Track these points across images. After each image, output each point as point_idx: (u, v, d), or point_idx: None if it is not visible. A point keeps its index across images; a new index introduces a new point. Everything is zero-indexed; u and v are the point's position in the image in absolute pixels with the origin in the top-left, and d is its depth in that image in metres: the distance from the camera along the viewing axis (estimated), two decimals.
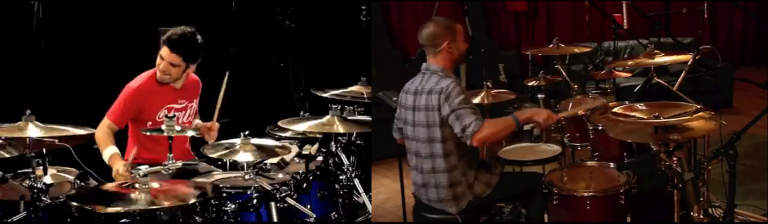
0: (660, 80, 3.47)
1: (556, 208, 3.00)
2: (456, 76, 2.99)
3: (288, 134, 3.73)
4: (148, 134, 3.12)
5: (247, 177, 2.99)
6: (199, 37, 3.34)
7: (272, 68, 4.56)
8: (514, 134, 2.95)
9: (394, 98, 3.44)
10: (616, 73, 4.50)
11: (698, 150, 3.51)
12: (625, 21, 5.23)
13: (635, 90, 3.67)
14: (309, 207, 3.12)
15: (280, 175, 3.19)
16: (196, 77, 3.61)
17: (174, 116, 3.04)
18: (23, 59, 4.06)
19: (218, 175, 3.29)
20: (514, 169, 3.53)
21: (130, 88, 3.36)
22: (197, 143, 3.60)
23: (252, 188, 2.97)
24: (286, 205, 3.02)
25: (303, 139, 3.63)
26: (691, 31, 6.79)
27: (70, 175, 3.04)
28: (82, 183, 2.97)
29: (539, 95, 4.32)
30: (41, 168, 2.90)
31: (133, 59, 4.03)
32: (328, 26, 4.82)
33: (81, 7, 4.28)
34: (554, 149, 3.58)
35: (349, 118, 3.36)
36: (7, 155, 2.97)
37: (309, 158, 3.23)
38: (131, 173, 2.85)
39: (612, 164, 3.22)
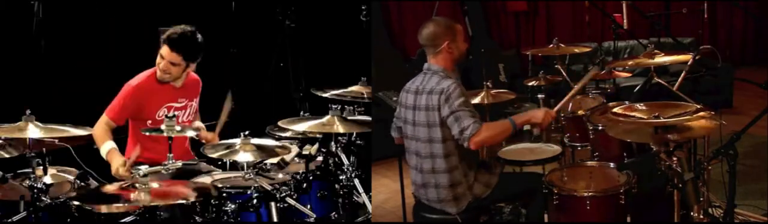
0: (660, 80, 3.47)
1: (556, 208, 3.00)
2: (456, 76, 2.99)
3: (288, 134, 3.73)
4: (148, 134, 3.12)
5: (247, 176, 2.99)
6: (199, 36, 3.34)
7: (272, 68, 4.55)
8: (514, 134, 2.95)
9: (394, 98, 3.44)
10: (616, 73, 4.50)
11: (698, 150, 3.51)
12: (625, 21, 5.23)
13: (635, 90, 3.67)
14: (309, 207, 3.12)
15: (280, 175, 3.19)
16: (196, 76, 3.61)
17: (174, 115, 3.03)
18: (23, 59, 4.06)
19: (218, 175, 3.29)
20: (514, 169, 3.53)
21: (129, 86, 3.37)
22: (197, 143, 3.60)
23: (252, 188, 2.97)
24: (286, 205, 3.02)
25: (303, 139, 3.63)
26: (691, 31, 6.78)
27: (70, 175, 3.05)
28: (82, 183, 2.98)
29: (539, 95, 4.30)
30: (41, 167, 2.91)
31: (133, 59, 4.02)
32: (328, 26, 4.82)
33: (81, 7, 4.28)
34: (554, 149, 3.58)
35: (349, 118, 3.36)
36: (7, 155, 2.98)
37: (309, 158, 3.23)
38: (131, 173, 2.85)
39: (612, 164, 3.22)
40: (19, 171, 3.05)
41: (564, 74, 4.21)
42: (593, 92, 4.28)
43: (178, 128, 3.02)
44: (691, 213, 3.03)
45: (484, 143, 2.83)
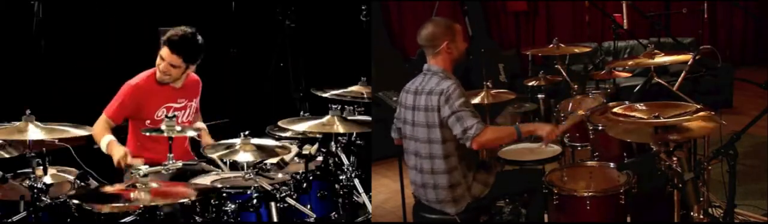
0: (660, 80, 3.47)
1: (556, 208, 3.00)
2: (456, 77, 2.99)
3: (288, 134, 3.73)
4: (148, 134, 3.12)
5: (247, 176, 2.99)
6: (199, 38, 3.34)
7: (272, 68, 4.55)
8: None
9: (394, 98, 3.44)
10: (616, 73, 4.50)
11: (698, 150, 3.51)
12: (625, 21, 5.23)
13: (635, 90, 3.66)
14: (309, 207, 3.12)
15: (280, 175, 3.19)
16: (196, 76, 3.61)
17: (174, 116, 3.04)
18: (23, 59, 4.06)
19: (218, 175, 3.29)
20: (513, 169, 3.53)
21: (129, 85, 3.37)
22: (197, 143, 3.60)
23: (252, 188, 2.97)
24: (286, 205, 3.02)
25: (303, 139, 3.63)
26: (691, 31, 6.78)
27: (70, 175, 3.04)
28: (82, 183, 2.97)
29: (539, 95, 4.31)
30: (41, 167, 2.90)
31: (133, 59, 4.03)
32: (328, 26, 4.82)
33: (81, 7, 4.29)
34: (554, 149, 3.57)
35: (349, 118, 3.36)
36: (7, 156, 2.97)
37: (309, 158, 3.23)
38: (132, 173, 2.85)
39: (612, 164, 3.22)
40: (19, 171, 3.04)
41: (564, 74, 4.21)
42: (593, 92, 4.28)
43: (178, 128, 3.02)
44: (691, 213, 3.03)
45: (486, 144, 2.84)
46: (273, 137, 3.71)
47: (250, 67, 4.72)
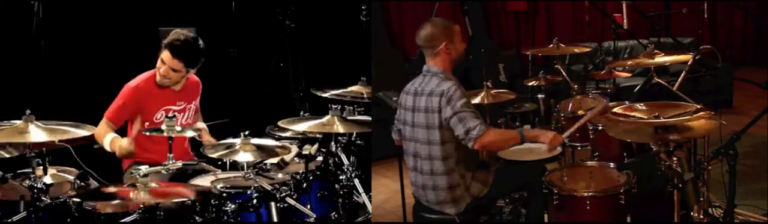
0: (660, 80, 3.47)
1: (556, 208, 3.00)
2: (456, 77, 2.99)
3: (288, 134, 3.73)
4: (148, 134, 3.12)
5: (247, 176, 2.99)
6: (201, 42, 3.33)
7: (272, 68, 4.55)
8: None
9: (394, 98, 3.44)
10: (616, 73, 4.50)
11: (698, 150, 3.51)
12: (625, 21, 5.23)
13: (635, 90, 3.67)
14: (309, 207, 3.12)
15: (280, 175, 3.19)
16: (196, 78, 3.61)
17: (174, 116, 3.04)
18: (23, 58, 4.06)
19: (218, 175, 3.29)
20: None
21: (128, 87, 3.37)
22: (197, 143, 3.60)
23: (252, 188, 2.97)
24: (286, 205, 3.02)
25: (303, 139, 3.63)
26: (691, 31, 6.78)
27: (70, 175, 3.04)
28: (82, 183, 2.97)
29: (539, 95, 4.31)
30: (41, 167, 2.90)
31: (133, 59, 4.03)
32: (328, 26, 4.82)
33: (81, 7, 4.28)
34: None
35: (349, 118, 3.36)
36: (7, 155, 2.97)
37: (309, 158, 3.23)
38: (131, 173, 2.85)
39: (612, 164, 3.22)
40: (19, 171, 3.04)
41: (564, 74, 4.21)
42: (593, 92, 4.28)
43: (178, 128, 3.02)
44: (691, 213, 3.03)
45: (489, 146, 2.85)
46: (273, 137, 3.71)
47: (250, 67, 4.72)
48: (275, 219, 3.00)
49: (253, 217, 2.97)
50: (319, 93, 3.68)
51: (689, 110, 2.85)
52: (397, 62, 5.71)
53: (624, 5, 5.18)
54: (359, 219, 3.38)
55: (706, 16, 6.30)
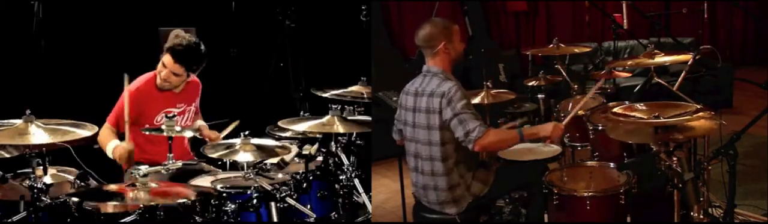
0: (660, 80, 3.47)
1: (556, 208, 3.00)
2: (455, 77, 2.99)
3: (288, 134, 3.73)
4: (147, 133, 3.12)
5: (247, 176, 2.99)
6: (203, 47, 3.33)
7: (272, 68, 4.55)
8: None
9: (394, 98, 3.44)
10: (616, 73, 4.49)
11: (698, 150, 3.51)
12: (625, 21, 5.23)
13: (635, 90, 3.67)
14: (309, 207, 3.12)
15: (280, 175, 3.19)
16: (196, 79, 3.60)
17: (174, 116, 3.04)
18: (23, 59, 4.06)
19: (218, 175, 3.29)
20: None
21: (128, 90, 3.36)
22: (197, 143, 3.60)
23: (252, 188, 2.97)
24: (286, 205, 3.02)
25: (303, 139, 3.63)
26: (691, 31, 6.78)
27: (70, 175, 3.04)
28: (82, 183, 2.97)
29: (539, 95, 4.31)
30: (41, 167, 2.90)
31: (133, 59, 4.03)
32: (328, 26, 4.82)
33: (81, 7, 4.28)
34: (554, 149, 3.57)
35: (349, 118, 3.36)
36: (7, 155, 2.97)
37: (309, 158, 3.23)
38: (131, 173, 2.85)
39: (612, 164, 3.22)
40: (19, 171, 3.04)
41: (564, 74, 4.21)
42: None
43: (177, 128, 3.02)
44: (691, 213, 3.03)
45: (488, 147, 2.85)
46: (273, 137, 3.71)
47: (250, 67, 4.72)
48: (275, 219, 3.00)
49: (253, 217, 2.97)
50: (319, 93, 3.68)
51: (689, 110, 2.85)
52: (397, 62, 5.71)
53: (624, 5, 5.18)
54: (359, 219, 3.38)
55: (706, 16, 6.30)
